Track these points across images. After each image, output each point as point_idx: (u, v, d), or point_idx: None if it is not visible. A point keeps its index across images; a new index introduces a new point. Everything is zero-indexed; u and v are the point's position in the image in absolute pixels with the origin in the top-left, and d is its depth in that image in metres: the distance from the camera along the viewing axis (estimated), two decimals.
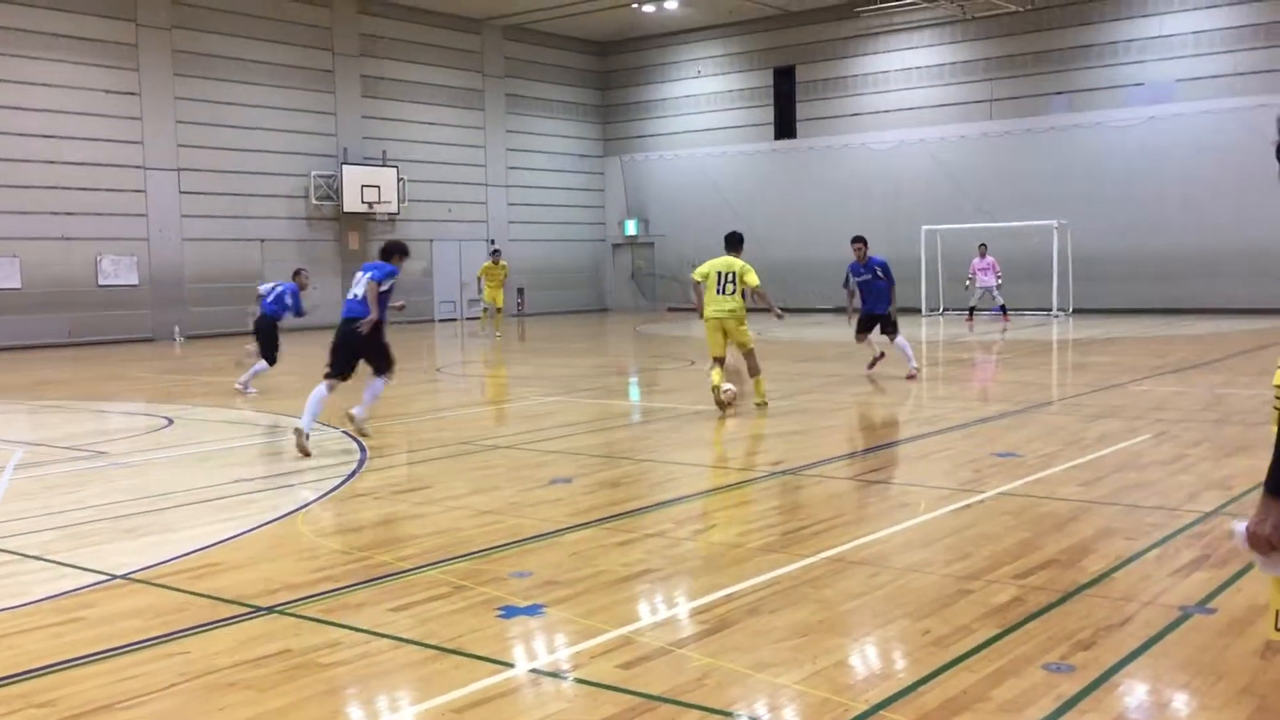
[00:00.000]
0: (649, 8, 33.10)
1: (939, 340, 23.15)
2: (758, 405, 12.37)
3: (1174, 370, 15.50)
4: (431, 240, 33.49)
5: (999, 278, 26.73)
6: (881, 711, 4.01)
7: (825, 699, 4.15)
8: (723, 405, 11.85)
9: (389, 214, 31.98)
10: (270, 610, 5.37)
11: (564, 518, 7.23)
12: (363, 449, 10.14)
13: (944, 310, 29.97)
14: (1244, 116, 27.06)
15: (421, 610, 5.32)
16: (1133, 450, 9.22)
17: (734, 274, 12.01)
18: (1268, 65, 27.24)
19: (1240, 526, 2.83)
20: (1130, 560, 5.89)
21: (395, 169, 31.88)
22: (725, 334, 12.13)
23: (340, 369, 10.27)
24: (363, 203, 30.99)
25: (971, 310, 27.48)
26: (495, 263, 26.64)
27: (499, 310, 26.67)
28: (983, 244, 27.18)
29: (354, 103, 31.58)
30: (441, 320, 33.54)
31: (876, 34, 33.13)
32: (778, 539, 6.54)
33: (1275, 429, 2.77)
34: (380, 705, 4.28)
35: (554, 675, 4.49)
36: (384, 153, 31.93)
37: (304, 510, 7.66)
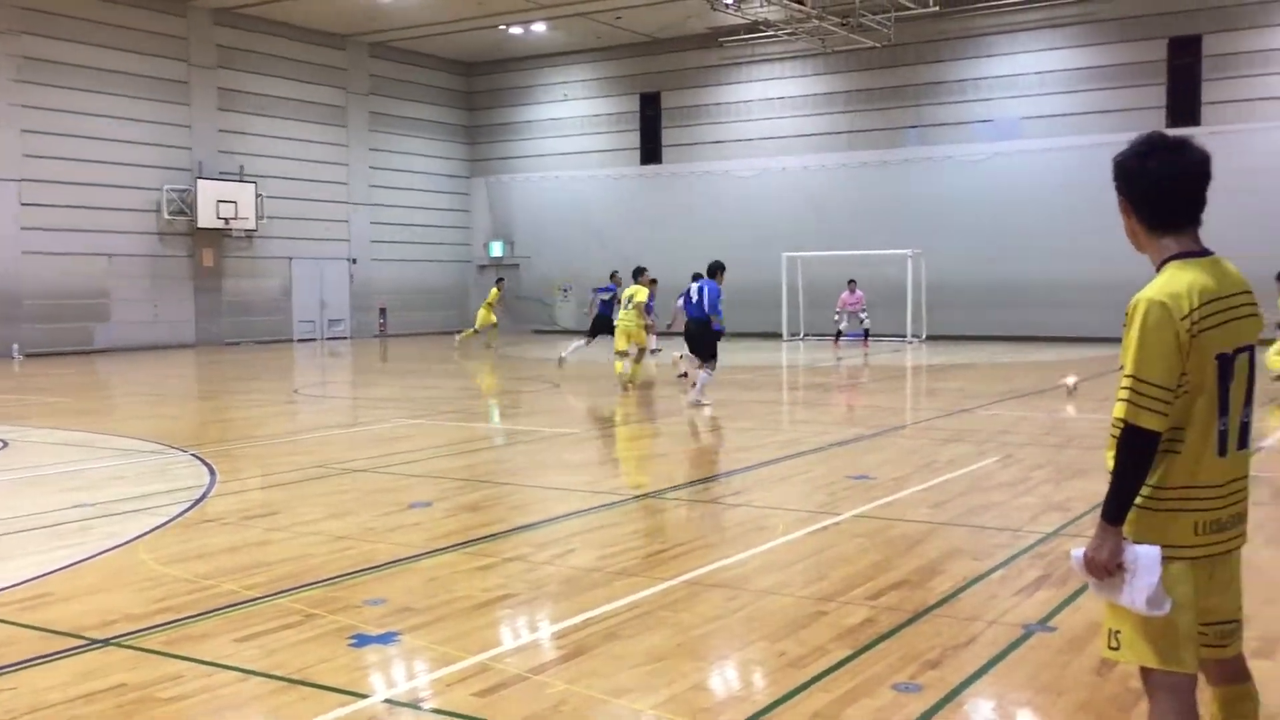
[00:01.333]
0: (516, 30, 33.08)
1: (799, 365, 23.62)
2: (619, 376, 17.19)
3: (1019, 396, 16.11)
4: (290, 258, 32.70)
5: (864, 312, 27.67)
6: None
7: None
8: (626, 385, 17.17)
9: (246, 230, 31.12)
10: (106, 643, 5.12)
11: (421, 543, 7.10)
12: (212, 473, 9.80)
13: (804, 335, 30.60)
14: (1083, 154, 28.37)
15: (269, 640, 5.14)
16: (980, 473, 9.53)
17: (632, 296, 17.49)
18: (1104, 106, 28.67)
19: (1078, 552, 2.94)
20: (977, 580, 6.08)
21: (253, 184, 31.05)
22: (628, 336, 17.50)
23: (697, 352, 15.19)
24: (218, 218, 30.08)
25: (839, 334, 28.26)
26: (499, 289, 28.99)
27: (475, 331, 29.09)
28: (852, 280, 28.04)
29: (210, 115, 30.67)
30: (301, 340, 32.74)
31: (740, 64, 33.76)
32: (638, 563, 6.54)
33: (1110, 457, 2.89)
34: None
35: (408, 705, 4.39)
36: (241, 167, 31.08)
37: (146, 537, 7.34)
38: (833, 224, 31.71)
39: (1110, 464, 2.89)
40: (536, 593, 5.95)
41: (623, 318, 17.63)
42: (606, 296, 21.90)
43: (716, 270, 15.19)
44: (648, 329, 18.18)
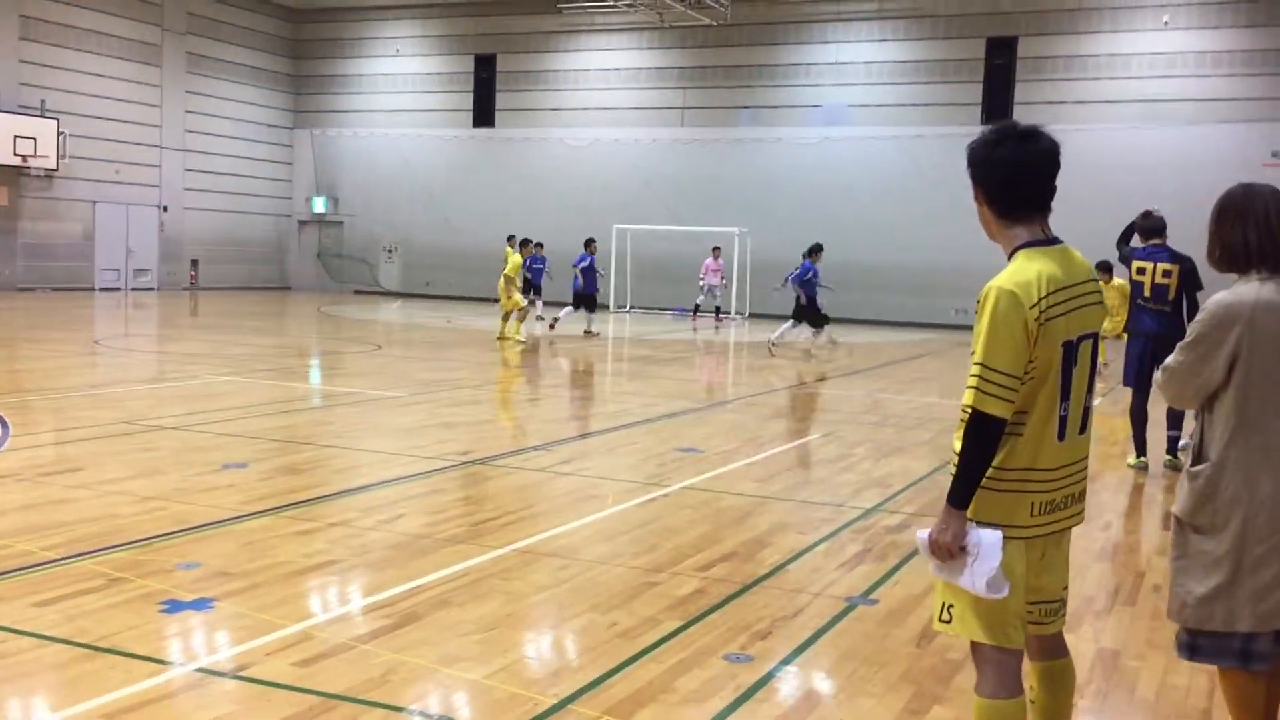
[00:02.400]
0: None
1: (625, 337, 23.70)
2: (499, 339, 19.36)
3: (840, 375, 16.59)
4: (95, 202, 30.82)
5: (724, 280, 28.22)
6: (569, 705, 3.99)
7: (513, 694, 4.08)
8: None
9: (46, 170, 29.15)
10: None
11: (237, 505, 6.78)
12: (4, 425, 9.15)
13: (631, 308, 30.76)
14: (905, 144, 29.44)
15: (70, 605, 4.81)
16: (804, 449, 9.75)
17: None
18: (926, 99, 29.71)
19: (923, 534, 3.00)
20: (802, 553, 6.20)
21: (56, 121, 29.07)
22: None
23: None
24: (15, 155, 28.05)
25: (696, 309, 28.67)
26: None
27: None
28: (717, 246, 28.48)
29: (9, 44, 28.52)
30: (104, 289, 30.95)
31: (578, 31, 33.52)
32: (466, 530, 6.42)
33: (958, 444, 2.94)
34: (20, 712, 3.82)
35: (223, 674, 4.17)
36: (43, 102, 29.04)
37: None
38: (664, 198, 31.92)
39: (957, 448, 2.94)
40: (361, 559, 5.77)
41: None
42: (584, 265, 22.32)
43: (814, 251, 19.34)
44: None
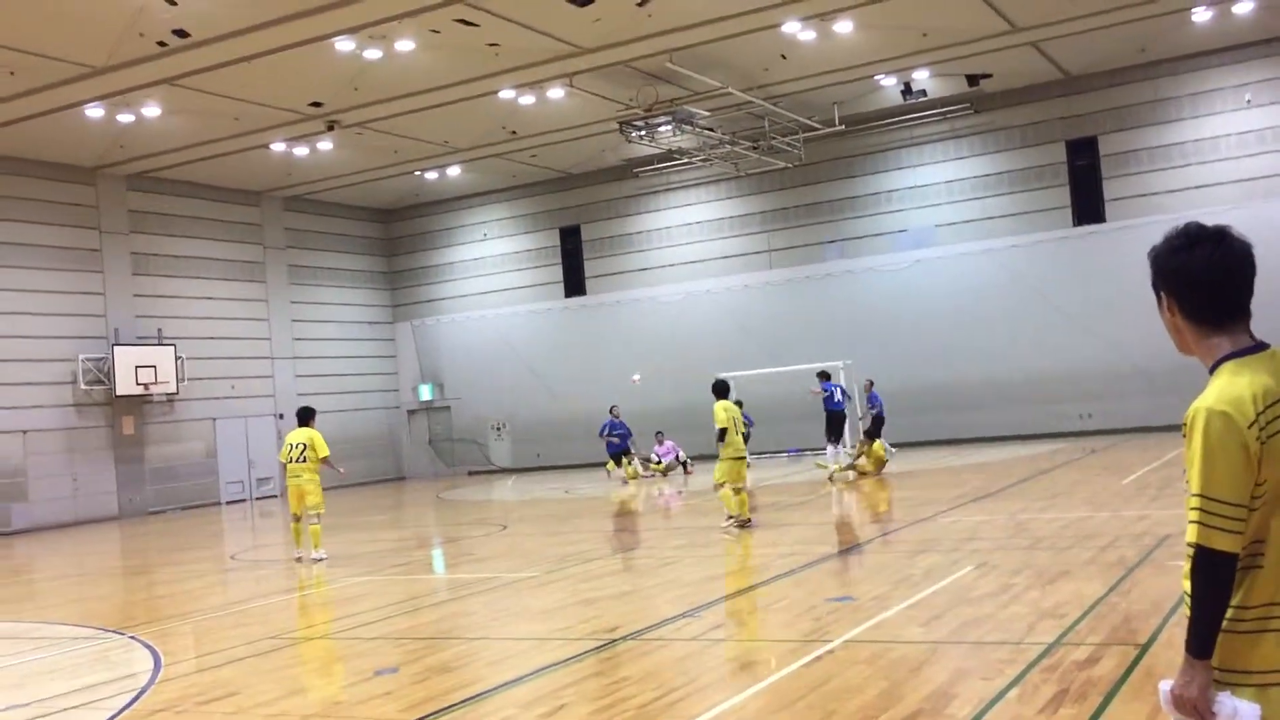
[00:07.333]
0: (431, 175, 33.27)
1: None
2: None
3: (973, 499, 16.00)
4: (215, 419, 31.88)
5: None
6: None
7: None
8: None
9: (167, 394, 30.34)
10: None
11: (397, 714, 6.61)
12: (155, 655, 9.17)
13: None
14: (999, 256, 29.13)
15: None
16: (960, 584, 9.29)
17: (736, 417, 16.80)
18: (1013, 209, 29.49)
19: (1166, 686, 2.70)
20: (994, 702, 5.78)
21: (172, 347, 30.38)
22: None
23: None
24: (137, 384, 29.29)
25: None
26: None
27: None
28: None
29: (124, 281, 30.12)
30: (230, 502, 31.71)
31: (656, 192, 34.27)
32: (635, 714, 6.14)
33: (1187, 585, 2.67)
34: None
35: None
36: (159, 331, 30.44)
37: None
38: (762, 341, 31.93)
39: (1187, 589, 2.67)
40: None
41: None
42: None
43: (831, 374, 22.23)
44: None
